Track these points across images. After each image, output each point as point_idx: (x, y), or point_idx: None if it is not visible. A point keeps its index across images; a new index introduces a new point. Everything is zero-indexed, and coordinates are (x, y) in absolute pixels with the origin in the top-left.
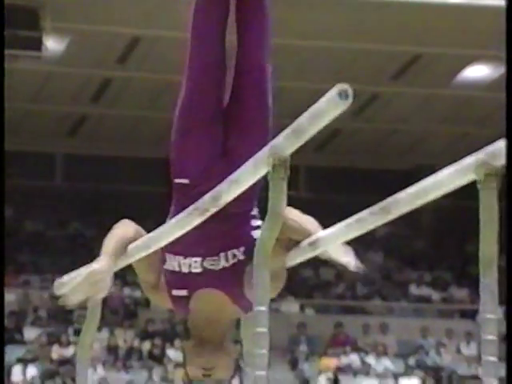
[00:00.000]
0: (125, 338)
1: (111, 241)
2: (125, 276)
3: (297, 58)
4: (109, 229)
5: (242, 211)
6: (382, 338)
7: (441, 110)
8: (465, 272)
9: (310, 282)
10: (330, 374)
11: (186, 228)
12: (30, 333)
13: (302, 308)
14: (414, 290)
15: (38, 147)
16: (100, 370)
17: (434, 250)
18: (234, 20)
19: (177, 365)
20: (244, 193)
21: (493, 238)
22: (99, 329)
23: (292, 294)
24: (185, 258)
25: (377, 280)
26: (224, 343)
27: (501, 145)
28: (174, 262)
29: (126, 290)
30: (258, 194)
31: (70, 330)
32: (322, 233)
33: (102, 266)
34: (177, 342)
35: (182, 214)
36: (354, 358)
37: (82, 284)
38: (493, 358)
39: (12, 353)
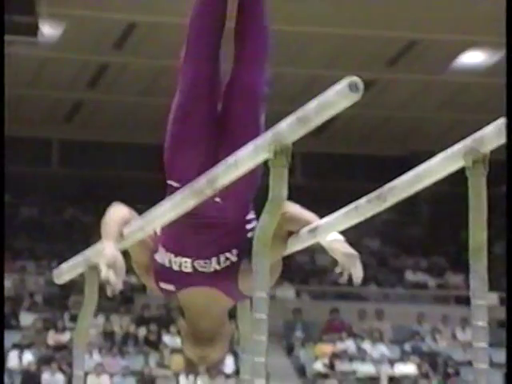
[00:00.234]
0: (121, 323)
1: (111, 224)
2: None
3: (292, 44)
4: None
5: (237, 217)
6: (378, 324)
7: (437, 96)
8: (460, 258)
9: (305, 268)
10: (326, 360)
11: (181, 210)
12: (26, 318)
13: (297, 294)
14: (409, 276)
15: (34, 133)
16: (96, 356)
17: (430, 236)
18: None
19: (173, 350)
20: (239, 200)
21: (482, 224)
22: (95, 315)
23: (288, 280)
24: (175, 256)
25: (373, 266)
26: (220, 329)
27: (488, 131)
28: (164, 257)
29: None
30: (254, 196)
31: (66, 316)
32: (321, 220)
33: (112, 250)
34: (173, 328)
35: (177, 196)
36: (349, 344)
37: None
38: (483, 344)
39: (8, 338)
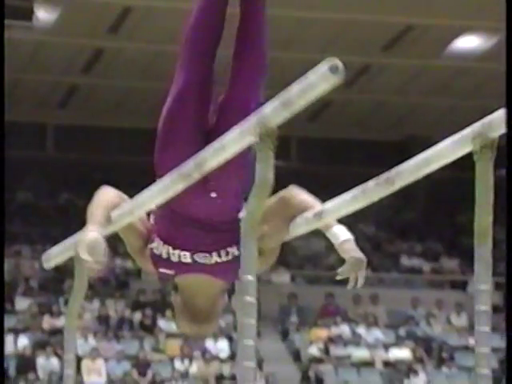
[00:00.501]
0: (116, 308)
1: (97, 208)
2: (116, 246)
3: (287, 28)
4: None
5: (235, 214)
6: (373, 308)
7: (432, 80)
8: (455, 243)
9: (300, 252)
10: (321, 345)
11: (169, 194)
12: (21, 303)
13: (292, 278)
14: (404, 260)
15: (29, 117)
16: (91, 340)
17: (425, 220)
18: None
19: (168, 335)
20: (236, 196)
21: (488, 208)
22: (90, 299)
23: (283, 264)
24: (174, 249)
25: (367, 251)
26: (217, 307)
27: (497, 116)
28: (162, 249)
29: (118, 261)
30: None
31: (61, 300)
32: (327, 204)
33: (93, 234)
34: (168, 313)
35: (165, 180)
36: (344, 329)
37: (83, 255)
38: (486, 329)
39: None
